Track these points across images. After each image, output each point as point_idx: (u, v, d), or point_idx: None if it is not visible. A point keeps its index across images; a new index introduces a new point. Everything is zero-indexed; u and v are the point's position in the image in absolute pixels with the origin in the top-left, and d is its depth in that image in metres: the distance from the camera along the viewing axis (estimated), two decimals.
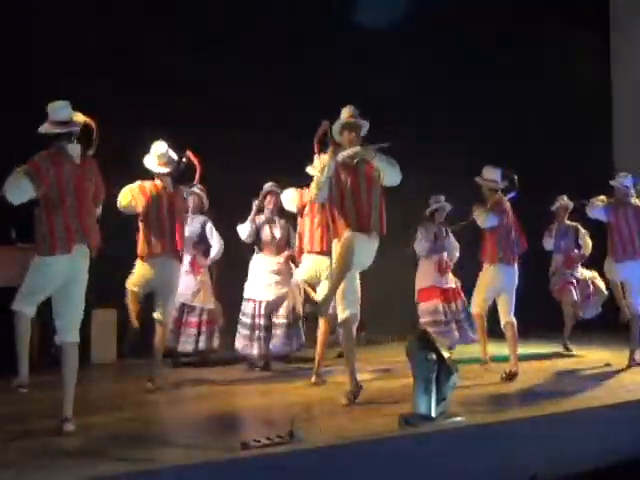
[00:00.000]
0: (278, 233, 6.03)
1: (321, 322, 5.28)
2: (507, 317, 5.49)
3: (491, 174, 5.69)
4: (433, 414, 3.80)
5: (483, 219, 5.58)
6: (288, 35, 7.40)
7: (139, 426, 4.14)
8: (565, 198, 7.04)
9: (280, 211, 6.02)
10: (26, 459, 3.35)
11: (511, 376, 5.34)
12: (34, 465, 3.25)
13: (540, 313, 6.99)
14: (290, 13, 7.51)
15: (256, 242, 6.07)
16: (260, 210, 6.05)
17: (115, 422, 4.18)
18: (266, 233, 6.01)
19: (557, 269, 7.02)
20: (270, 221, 6.05)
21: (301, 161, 5.41)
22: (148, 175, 5.24)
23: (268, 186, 6.01)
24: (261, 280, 5.94)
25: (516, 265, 5.61)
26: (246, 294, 5.98)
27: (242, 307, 5.97)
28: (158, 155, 5.14)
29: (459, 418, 3.87)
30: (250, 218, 5.96)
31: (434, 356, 3.94)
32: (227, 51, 7.14)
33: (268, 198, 6.03)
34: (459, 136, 7.96)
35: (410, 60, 7.99)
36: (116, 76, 6.39)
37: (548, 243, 7.09)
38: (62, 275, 3.87)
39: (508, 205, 5.72)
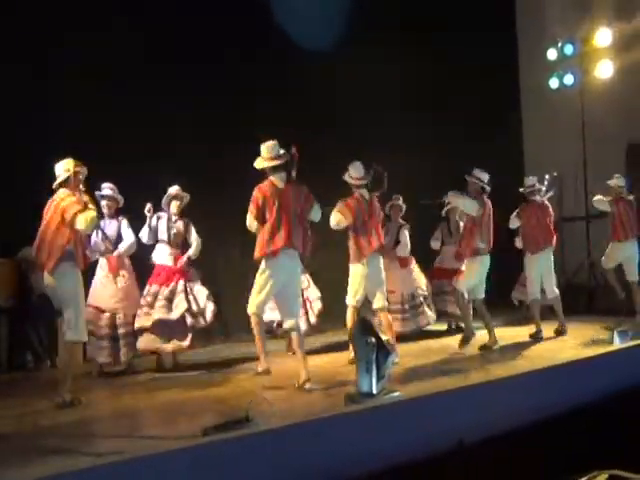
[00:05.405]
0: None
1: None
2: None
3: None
4: (374, 391, 4.25)
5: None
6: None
7: (106, 422, 4.46)
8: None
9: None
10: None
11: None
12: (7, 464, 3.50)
13: None
14: None
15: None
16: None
17: (81, 419, 4.50)
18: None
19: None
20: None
21: None
22: None
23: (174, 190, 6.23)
24: None
25: None
26: None
27: None
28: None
29: (397, 393, 4.33)
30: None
31: (373, 340, 4.39)
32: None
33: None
34: None
35: None
36: (117, 75, 6.67)
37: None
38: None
39: None
